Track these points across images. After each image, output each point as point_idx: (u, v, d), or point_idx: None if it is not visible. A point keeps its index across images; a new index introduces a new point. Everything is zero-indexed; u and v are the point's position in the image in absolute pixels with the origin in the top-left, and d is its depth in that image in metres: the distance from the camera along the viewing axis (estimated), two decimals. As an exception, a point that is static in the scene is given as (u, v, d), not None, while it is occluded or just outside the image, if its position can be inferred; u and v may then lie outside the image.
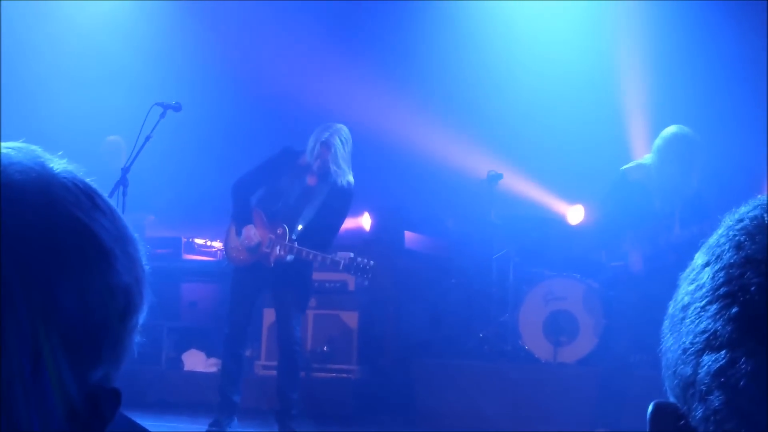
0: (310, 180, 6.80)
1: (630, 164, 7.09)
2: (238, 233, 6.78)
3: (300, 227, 6.77)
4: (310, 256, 6.64)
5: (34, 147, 0.78)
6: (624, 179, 7.02)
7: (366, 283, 6.73)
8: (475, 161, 9.52)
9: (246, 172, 7.07)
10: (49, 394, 0.71)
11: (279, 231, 6.74)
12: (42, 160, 0.77)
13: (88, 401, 0.74)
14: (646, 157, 7.01)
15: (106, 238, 0.76)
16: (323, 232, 6.79)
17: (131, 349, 0.79)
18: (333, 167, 6.65)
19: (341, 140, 6.68)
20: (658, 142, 6.90)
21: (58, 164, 0.78)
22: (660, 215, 6.93)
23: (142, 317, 0.80)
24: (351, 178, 6.76)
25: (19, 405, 0.69)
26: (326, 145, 6.64)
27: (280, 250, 6.65)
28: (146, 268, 0.82)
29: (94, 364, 0.74)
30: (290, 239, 6.71)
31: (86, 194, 0.77)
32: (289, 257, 6.66)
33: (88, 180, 0.80)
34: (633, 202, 6.94)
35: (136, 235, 0.81)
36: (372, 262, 6.65)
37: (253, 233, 6.72)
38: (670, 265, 6.68)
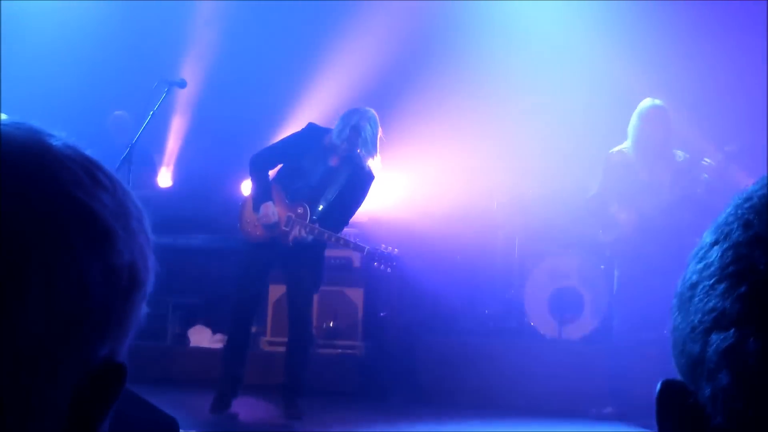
0: (334, 161, 6.77)
1: (614, 149, 7.22)
2: (256, 209, 6.74)
3: (320, 207, 6.75)
4: (333, 239, 6.63)
5: (32, 123, 0.76)
6: (611, 161, 7.19)
7: (389, 270, 6.73)
8: (482, 141, 9.50)
9: (267, 146, 7.05)
10: (52, 378, 0.70)
11: (300, 210, 6.71)
12: (40, 136, 0.75)
13: (93, 379, 0.73)
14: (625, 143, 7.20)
15: (108, 217, 0.74)
16: (341, 214, 6.79)
17: (138, 322, 0.78)
18: (361, 151, 6.65)
19: (370, 125, 6.69)
20: (630, 124, 7.12)
21: (57, 140, 0.76)
22: (647, 184, 7.05)
23: (149, 287, 0.79)
24: (377, 161, 6.77)
25: (22, 390, 0.69)
26: (356, 130, 6.64)
27: (300, 230, 6.62)
28: (151, 238, 0.80)
29: (99, 342, 0.73)
30: (311, 219, 6.69)
31: (86, 170, 0.75)
32: (310, 237, 6.64)
33: (89, 153, 0.78)
34: (621, 180, 7.07)
35: (140, 206, 0.80)
36: (396, 250, 6.66)
37: (271, 211, 6.67)
38: (659, 229, 6.80)
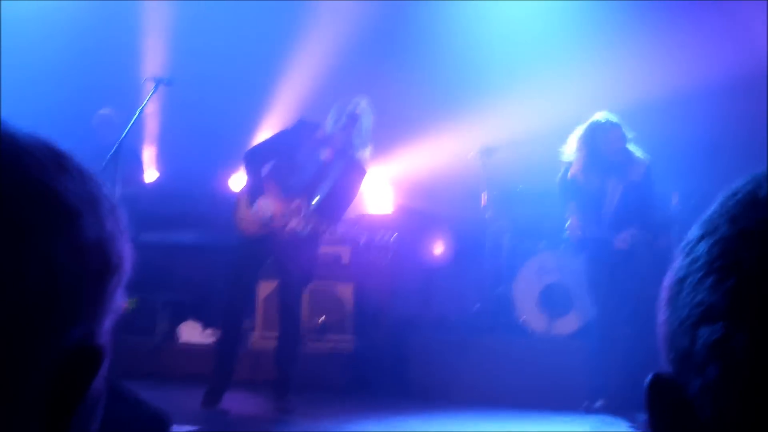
0: (327, 154, 6.79)
1: (569, 169, 7.29)
2: (250, 204, 6.76)
3: (315, 201, 6.77)
4: (327, 232, 6.64)
5: None
6: (565, 184, 7.31)
7: (386, 261, 6.75)
8: (468, 136, 9.51)
9: (260, 142, 7.07)
10: (26, 359, 0.70)
11: (294, 204, 6.73)
12: (3, 126, 0.76)
13: (67, 360, 0.73)
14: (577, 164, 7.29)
15: (72, 198, 0.75)
16: (336, 207, 6.81)
17: (116, 306, 0.79)
18: (356, 140, 6.68)
19: (366, 114, 6.73)
20: (580, 139, 7.25)
21: (21, 130, 0.77)
22: (596, 201, 7.14)
23: (125, 274, 0.80)
24: (369, 153, 6.81)
25: None
26: (353, 118, 6.69)
27: (296, 223, 6.64)
28: (125, 227, 0.81)
29: (72, 323, 0.74)
30: (305, 213, 6.71)
31: (51, 158, 0.76)
32: (305, 231, 6.65)
33: (55, 144, 0.78)
34: (576, 199, 7.26)
35: (112, 198, 0.80)
36: (391, 239, 6.67)
37: (266, 205, 6.69)
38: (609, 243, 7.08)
